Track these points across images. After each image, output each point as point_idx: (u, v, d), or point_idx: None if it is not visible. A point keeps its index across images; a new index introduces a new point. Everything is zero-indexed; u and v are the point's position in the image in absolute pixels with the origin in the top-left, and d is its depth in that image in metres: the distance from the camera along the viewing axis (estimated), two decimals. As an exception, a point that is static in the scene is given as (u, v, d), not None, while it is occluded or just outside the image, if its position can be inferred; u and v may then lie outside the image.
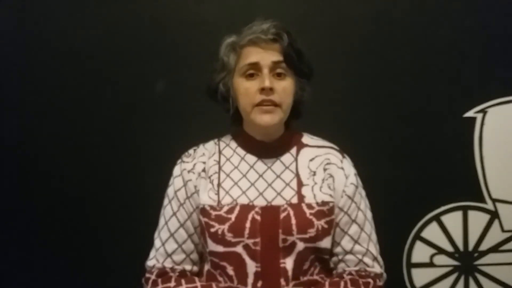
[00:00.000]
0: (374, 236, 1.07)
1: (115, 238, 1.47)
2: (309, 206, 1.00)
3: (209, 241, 0.99)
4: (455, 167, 1.52)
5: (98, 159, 1.49)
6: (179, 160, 1.08)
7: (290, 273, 0.97)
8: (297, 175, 1.03)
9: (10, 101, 1.49)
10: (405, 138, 1.52)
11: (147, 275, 1.03)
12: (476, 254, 1.54)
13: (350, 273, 1.03)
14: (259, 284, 0.96)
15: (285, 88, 1.01)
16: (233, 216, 0.98)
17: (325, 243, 1.00)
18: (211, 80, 1.07)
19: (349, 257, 1.03)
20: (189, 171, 1.05)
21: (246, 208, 0.99)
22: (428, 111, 1.51)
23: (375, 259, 1.05)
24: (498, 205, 1.53)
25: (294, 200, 1.00)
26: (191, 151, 1.09)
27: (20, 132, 1.49)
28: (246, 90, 1.00)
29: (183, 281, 1.00)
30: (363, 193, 1.09)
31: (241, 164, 1.05)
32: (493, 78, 1.51)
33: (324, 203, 1.01)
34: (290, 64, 1.01)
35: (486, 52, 1.51)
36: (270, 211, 0.99)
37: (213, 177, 1.03)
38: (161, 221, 1.06)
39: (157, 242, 1.05)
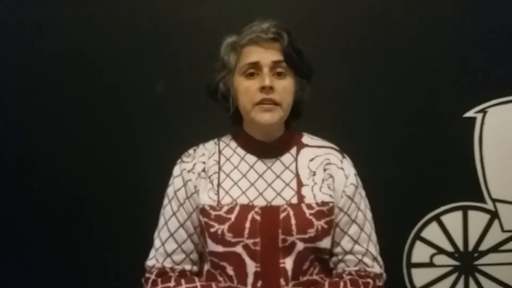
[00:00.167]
0: (374, 236, 1.07)
1: (115, 238, 1.47)
2: (309, 206, 1.00)
3: (209, 241, 0.99)
4: (455, 167, 1.52)
5: (98, 159, 1.49)
6: (179, 160, 1.08)
7: (289, 273, 0.97)
8: (297, 175, 1.03)
9: (10, 101, 1.49)
10: (405, 138, 1.52)
11: (147, 275, 1.03)
12: (476, 254, 1.54)
13: (349, 273, 1.03)
14: (259, 284, 0.96)
15: (285, 87, 1.01)
16: (233, 216, 0.98)
17: (325, 243, 1.00)
18: (211, 80, 1.07)
19: (348, 257, 1.03)
20: (189, 171, 1.05)
21: (246, 208, 0.99)
22: (428, 111, 1.51)
23: (374, 259, 1.05)
24: (498, 205, 1.53)
25: (294, 200, 1.00)
26: (191, 151, 1.09)
27: (20, 132, 1.49)
28: (247, 89, 1.00)
29: (182, 281, 1.00)
30: (363, 193, 1.09)
31: (241, 164, 1.05)
32: (493, 78, 1.51)
33: (324, 203, 1.01)
34: (290, 63, 1.01)
35: (486, 52, 1.51)
36: (270, 211, 0.99)
37: (213, 177, 1.03)
38: (161, 221, 1.06)
39: (156, 242, 1.05)
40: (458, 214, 1.53)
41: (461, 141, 1.52)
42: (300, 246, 0.97)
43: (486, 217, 1.54)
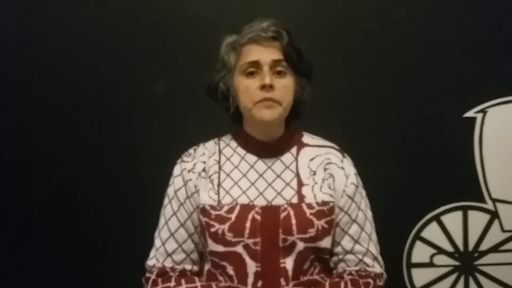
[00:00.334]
0: (374, 236, 1.07)
1: (115, 238, 1.47)
2: (309, 206, 1.00)
3: (209, 241, 0.99)
4: (455, 167, 1.52)
5: (98, 159, 1.48)
6: (179, 160, 1.08)
7: (290, 273, 0.97)
8: (297, 174, 1.03)
9: (10, 101, 1.49)
10: (405, 138, 1.52)
11: (147, 274, 1.03)
12: (476, 254, 1.54)
13: (350, 273, 1.03)
14: (259, 284, 0.96)
15: (285, 86, 1.01)
16: (233, 216, 0.98)
17: (325, 243, 1.00)
18: (211, 79, 1.07)
19: (349, 257, 1.03)
20: (189, 171, 1.05)
21: (246, 208, 0.99)
22: (428, 111, 1.51)
23: (375, 259, 1.05)
24: (498, 205, 1.53)
25: (294, 200, 1.00)
26: (191, 150, 1.09)
27: (20, 132, 1.49)
28: (247, 87, 1.00)
29: (183, 280, 1.00)
30: (364, 193, 1.09)
31: (241, 164, 1.05)
32: (493, 78, 1.52)
33: (324, 203, 1.01)
34: (290, 62, 1.01)
35: (486, 52, 1.51)
36: (270, 211, 0.99)
37: (213, 177, 1.03)
38: (161, 221, 1.06)
39: (157, 242, 1.05)
40: (458, 214, 1.53)
41: (461, 141, 1.52)
42: (300, 245, 0.97)
43: (486, 217, 1.54)
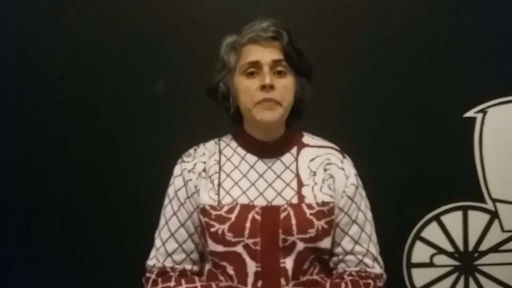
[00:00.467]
0: (374, 237, 1.07)
1: (115, 238, 1.47)
2: (309, 206, 1.00)
3: (209, 241, 0.99)
4: (455, 167, 1.52)
5: (98, 159, 1.48)
6: (180, 160, 1.08)
7: (290, 272, 0.97)
8: (298, 175, 1.03)
9: (10, 101, 1.49)
10: (405, 138, 1.52)
11: (147, 274, 1.03)
12: (476, 254, 1.54)
13: (350, 274, 1.03)
14: (259, 283, 0.96)
15: (285, 86, 1.01)
16: (233, 216, 0.98)
17: (325, 243, 1.00)
18: (211, 80, 1.07)
19: (349, 257, 1.03)
20: (189, 171, 1.05)
21: (246, 208, 0.99)
22: (428, 111, 1.51)
23: (375, 259, 1.05)
24: (498, 205, 1.53)
25: (294, 200, 1.00)
26: (191, 150, 1.09)
27: (20, 132, 1.49)
28: (247, 88, 1.00)
29: (183, 280, 1.00)
30: (364, 193, 1.09)
31: (242, 164, 1.05)
32: (493, 78, 1.52)
33: (324, 204, 1.01)
34: (290, 62, 1.01)
35: (486, 52, 1.51)
36: (270, 211, 0.99)
37: (213, 177, 1.03)
38: (162, 221, 1.06)
39: (157, 242, 1.05)
40: (458, 214, 1.53)
41: (461, 141, 1.52)
42: (300, 246, 0.97)
43: (486, 217, 1.54)
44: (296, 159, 1.05)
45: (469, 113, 1.52)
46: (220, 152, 1.07)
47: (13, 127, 1.49)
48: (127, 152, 1.49)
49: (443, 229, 1.54)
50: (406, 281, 1.54)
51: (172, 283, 1.00)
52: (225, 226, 0.97)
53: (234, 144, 1.08)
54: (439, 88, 1.51)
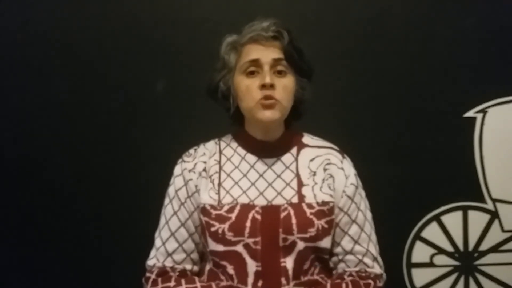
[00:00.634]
0: (374, 237, 1.07)
1: (115, 238, 1.47)
2: (310, 206, 1.00)
3: (210, 241, 0.99)
4: (455, 167, 1.52)
5: (98, 159, 1.48)
6: (180, 160, 1.08)
7: (290, 272, 0.97)
8: (298, 175, 1.03)
9: (10, 101, 1.49)
10: (405, 138, 1.52)
11: (147, 274, 1.03)
12: (476, 254, 1.54)
13: (350, 274, 1.03)
14: (260, 283, 0.96)
15: (285, 85, 1.01)
16: (233, 216, 0.98)
17: (325, 243, 1.01)
18: (211, 79, 1.07)
19: (349, 257, 1.03)
20: (189, 171, 1.05)
21: (247, 208, 0.99)
22: (428, 111, 1.51)
23: (375, 259, 1.05)
24: (498, 205, 1.53)
25: (295, 200, 1.00)
26: (191, 150, 1.09)
27: (20, 132, 1.49)
28: (247, 87, 1.00)
29: (183, 280, 1.00)
30: (363, 193, 1.09)
31: (242, 164, 1.05)
32: (493, 78, 1.52)
33: (324, 203, 1.01)
34: (290, 61, 1.01)
35: (486, 52, 1.51)
36: (270, 211, 0.99)
37: (213, 177, 1.03)
38: (162, 221, 1.06)
39: (157, 242, 1.05)
40: (458, 214, 1.53)
41: (461, 141, 1.52)
42: (300, 245, 0.97)
43: (486, 217, 1.54)
44: (296, 159, 1.05)
45: (469, 113, 1.52)
46: (221, 152, 1.07)
47: (13, 127, 1.49)
48: (127, 152, 1.49)
49: (443, 229, 1.54)
50: (406, 281, 1.54)
51: (172, 283, 1.00)
52: (226, 226, 0.97)
53: (234, 144, 1.08)
54: (439, 88, 1.51)
